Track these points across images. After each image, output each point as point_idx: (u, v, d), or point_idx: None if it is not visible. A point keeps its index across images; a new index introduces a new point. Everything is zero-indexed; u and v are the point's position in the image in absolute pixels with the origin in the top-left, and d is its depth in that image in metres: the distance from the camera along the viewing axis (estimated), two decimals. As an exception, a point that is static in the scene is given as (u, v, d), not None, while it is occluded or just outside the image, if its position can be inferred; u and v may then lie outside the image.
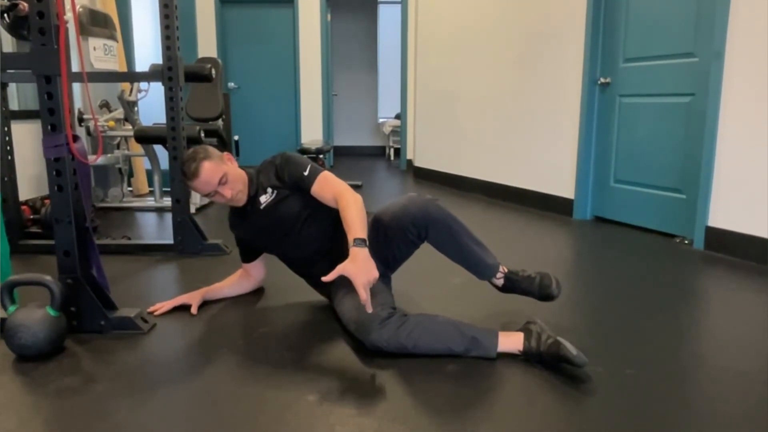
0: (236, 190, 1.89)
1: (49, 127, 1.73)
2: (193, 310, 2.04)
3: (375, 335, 1.61)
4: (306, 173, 1.88)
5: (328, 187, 1.85)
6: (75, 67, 3.41)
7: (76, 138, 1.77)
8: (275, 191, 1.93)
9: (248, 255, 2.18)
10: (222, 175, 1.85)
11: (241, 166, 2.00)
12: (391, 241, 1.83)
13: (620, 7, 3.49)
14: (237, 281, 2.23)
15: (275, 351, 1.73)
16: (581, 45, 3.70)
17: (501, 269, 1.89)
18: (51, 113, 1.72)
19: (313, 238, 1.95)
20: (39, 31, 1.67)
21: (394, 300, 1.81)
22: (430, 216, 1.75)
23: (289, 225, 1.93)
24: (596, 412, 1.37)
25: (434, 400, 1.43)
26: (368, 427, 1.31)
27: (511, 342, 1.64)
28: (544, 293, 1.85)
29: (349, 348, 1.74)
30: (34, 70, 1.68)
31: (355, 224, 1.67)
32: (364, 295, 1.51)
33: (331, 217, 1.92)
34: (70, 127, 1.76)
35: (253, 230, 2.02)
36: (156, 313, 2.01)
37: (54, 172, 1.75)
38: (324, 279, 1.58)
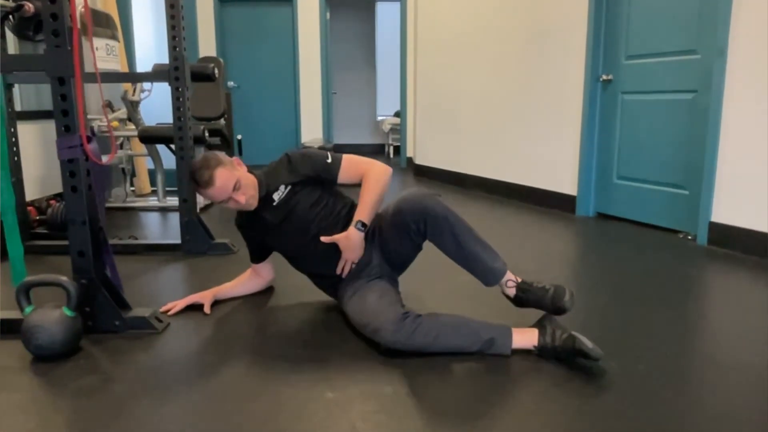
0: (249, 195, 1.89)
1: (63, 128, 1.73)
2: (206, 309, 2.05)
3: (391, 338, 1.62)
4: (329, 161, 1.91)
5: (354, 168, 1.90)
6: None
7: (90, 139, 1.78)
8: (288, 187, 1.92)
9: (258, 255, 2.18)
10: (236, 182, 1.85)
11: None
12: (393, 237, 1.84)
13: (622, 3, 3.50)
14: (247, 281, 2.24)
15: (289, 349, 1.74)
16: (583, 42, 3.71)
17: (513, 277, 1.78)
18: (65, 114, 1.72)
19: (324, 231, 1.90)
20: (53, 32, 1.67)
21: (402, 301, 1.82)
22: (427, 209, 1.70)
23: (301, 219, 1.91)
24: (612, 408, 1.39)
25: (451, 396, 1.45)
26: (388, 425, 1.32)
27: (525, 338, 1.66)
28: (556, 305, 1.70)
29: (363, 345, 1.75)
30: (49, 71, 1.69)
31: (364, 206, 1.84)
32: (343, 264, 1.86)
33: (343, 212, 1.94)
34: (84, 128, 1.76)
35: (265, 228, 2.00)
36: (169, 313, 2.02)
37: (68, 173, 1.76)
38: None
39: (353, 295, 1.84)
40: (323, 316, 2.02)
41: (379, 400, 1.43)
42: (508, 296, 1.81)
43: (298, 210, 1.91)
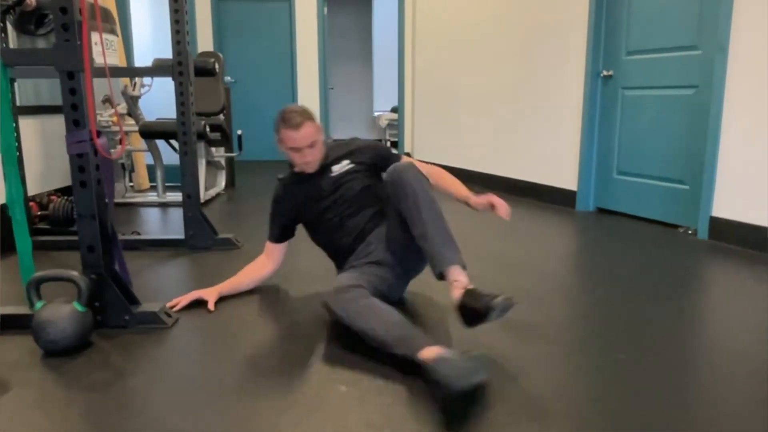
0: (316, 158, 2.03)
1: (72, 122, 1.73)
2: (210, 306, 2.05)
3: (328, 297, 1.68)
4: (395, 153, 2.14)
5: (412, 163, 2.06)
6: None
7: (99, 133, 1.77)
8: (351, 165, 2.09)
9: (280, 234, 2.18)
10: (315, 140, 2.00)
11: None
12: (388, 217, 1.94)
13: None
14: (251, 271, 2.22)
15: (300, 342, 1.75)
16: (584, 37, 3.72)
17: (464, 279, 1.65)
18: (74, 109, 1.72)
19: (355, 214, 2.05)
20: (62, 27, 1.66)
21: (377, 290, 1.79)
22: (401, 172, 1.82)
23: (348, 195, 2.05)
24: (627, 397, 1.41)
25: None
26: (403, 417, 1.33)
27: (434, 351, 1.45)
28: (487, 303, 1.53)
29: (374, 339, 1.76)
30: (58, 66, 1.68)
31: (456, 185, 2.13)
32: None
33: (378, 206, 2.06)
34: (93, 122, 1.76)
35: (310, 195, 2.08)
36: (174, 309, 2.02)
37: (77, 168, 1.76)
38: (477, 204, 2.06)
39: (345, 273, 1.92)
40: (331, 311, 2.02)
41: (392, 394, 1.44)
42: (454, 304, 1.65)
43: (348, 188, 2.06)
